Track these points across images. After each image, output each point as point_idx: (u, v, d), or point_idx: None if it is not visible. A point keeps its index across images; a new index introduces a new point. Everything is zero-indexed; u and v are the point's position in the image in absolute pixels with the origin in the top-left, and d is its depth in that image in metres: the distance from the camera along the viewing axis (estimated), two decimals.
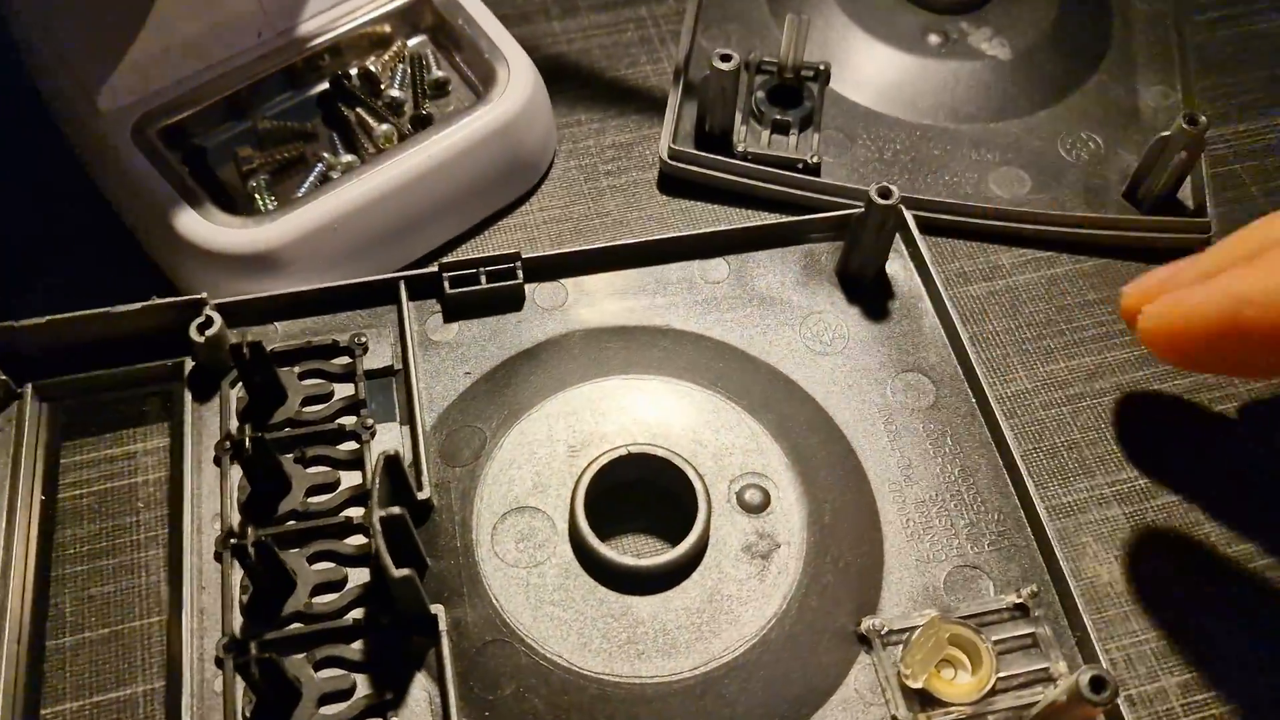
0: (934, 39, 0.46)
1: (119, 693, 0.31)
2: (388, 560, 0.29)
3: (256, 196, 0.39)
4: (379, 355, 0.36)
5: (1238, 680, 0.32)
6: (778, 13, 0.47)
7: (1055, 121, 0.44)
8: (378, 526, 0.29)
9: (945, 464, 0.35)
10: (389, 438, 0.34)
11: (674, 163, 0.42)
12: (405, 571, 0.28)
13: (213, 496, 0.33)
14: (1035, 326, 0.39)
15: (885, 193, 0.36)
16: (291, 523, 0.33)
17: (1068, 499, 0.36)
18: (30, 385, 0.35)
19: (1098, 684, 0.27)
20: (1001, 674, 0.31)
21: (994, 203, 0.42)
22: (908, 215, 0.39)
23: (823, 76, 0.43)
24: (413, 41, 0.44)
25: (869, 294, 0.39)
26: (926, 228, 0.41)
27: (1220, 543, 0.35)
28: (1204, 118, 0.39)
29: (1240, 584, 0.34)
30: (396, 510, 0.29)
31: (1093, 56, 0.47)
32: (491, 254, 0.37)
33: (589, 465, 0.33)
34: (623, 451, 0.33)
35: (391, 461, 0.31)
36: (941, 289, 0.37)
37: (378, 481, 0.30)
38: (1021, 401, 0.38)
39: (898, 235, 0.39)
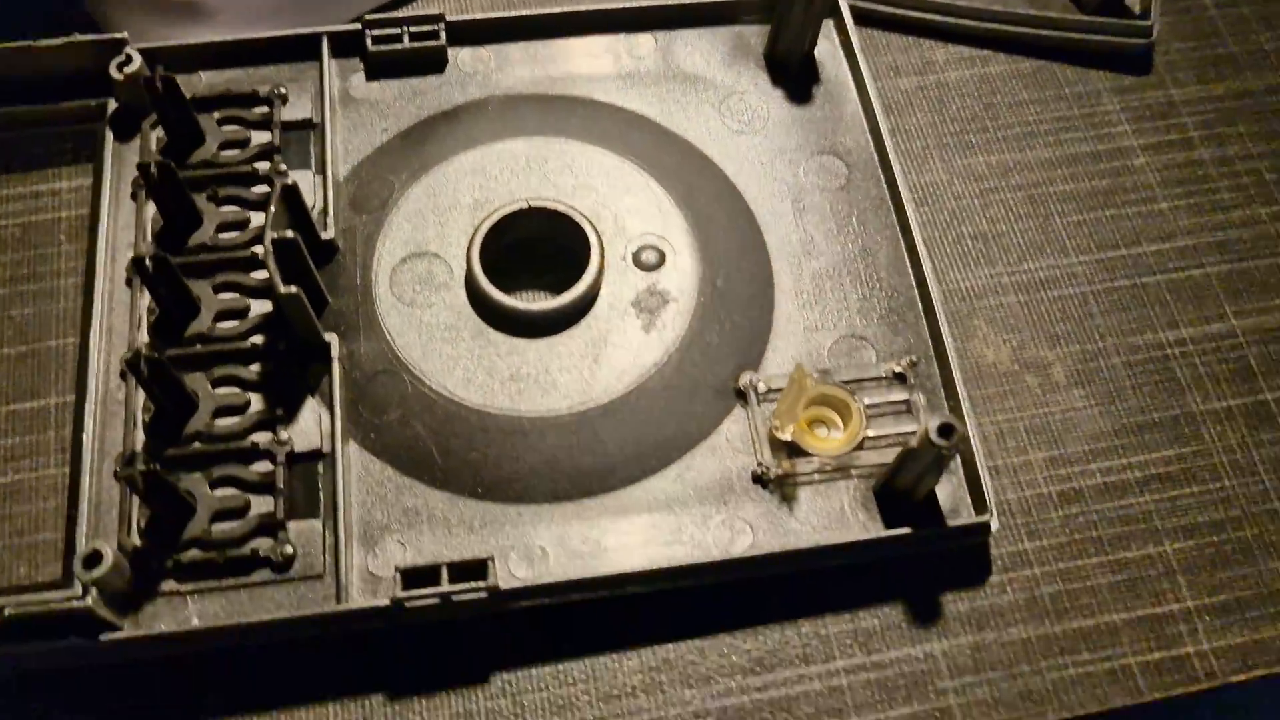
0: None
1: (33, 403, 0.33)
2: (277, 278, 0.30)
3: None
4: (299, 108, 0.36)
5: (1101, 460, 0.33)
6: None
7: None
8: (269, 247, 0.30)
9: (847, 242, 0.35)
10: (301, 184, 0.35)
11: None
12: (292, 289, 0.29)
13: (128, 229, 0.34)
14: (960, 122, 0.39)
15: None
16: (202, 255, 0.34)
17: (966, 284, 0.36)
18: None
19: (946, 430, 0.28)
20: (871, 433, 0.32)
21: None
22: (842, 1, 0.38)
23: None
24: None
25: (795, 79, 0.38)
26: (863, 19, 0.40)
27: (1108, 335, 0.35)
28: None
29: (1115, 376, 0.35)
30: (289, 234, 0.30)
31: None
32: (416, 14, 0.37)
33: (489, 215, 0.34)
34: (523, 204, 0.34)
35: (289, 191, 0.31)
36: (868, 78, 0.37)
37: (274, 208, 0.31)
38: (934, 191, 0.38)
39: (830, 23, 0.39)
